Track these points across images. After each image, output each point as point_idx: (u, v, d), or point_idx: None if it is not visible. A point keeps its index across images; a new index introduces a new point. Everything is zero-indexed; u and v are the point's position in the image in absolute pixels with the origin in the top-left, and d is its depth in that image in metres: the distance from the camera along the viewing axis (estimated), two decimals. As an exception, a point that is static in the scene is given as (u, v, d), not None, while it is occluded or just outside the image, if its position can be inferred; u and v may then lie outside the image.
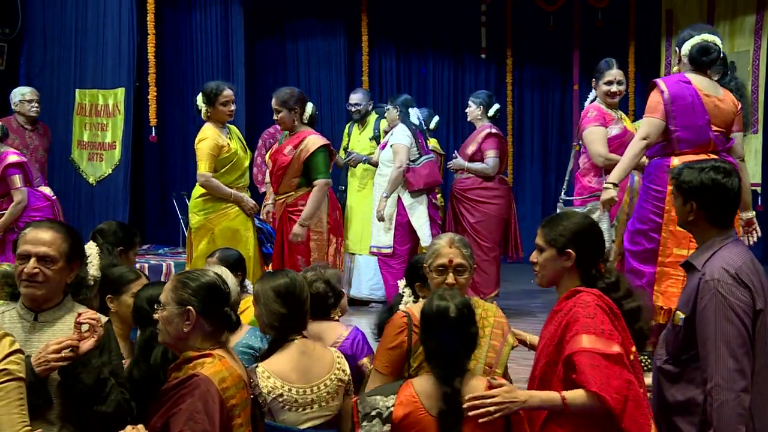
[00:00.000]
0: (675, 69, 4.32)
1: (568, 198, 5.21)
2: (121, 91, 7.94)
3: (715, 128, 4.08)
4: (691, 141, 4.07)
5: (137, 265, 4.60)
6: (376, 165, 6.74)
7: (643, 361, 3.23)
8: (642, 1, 9.25)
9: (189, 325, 2.53)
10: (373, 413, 2.64)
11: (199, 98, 5.31)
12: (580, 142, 5.16)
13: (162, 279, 6.58)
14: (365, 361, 3.30)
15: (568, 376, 2.53)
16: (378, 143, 6.98)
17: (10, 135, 6.89)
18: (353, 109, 7.28)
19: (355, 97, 7.31)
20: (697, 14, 8.37)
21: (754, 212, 4.42)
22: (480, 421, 2.49)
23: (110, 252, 3.70)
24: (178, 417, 2.41)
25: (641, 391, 2.54)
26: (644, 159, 4.45)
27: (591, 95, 5.29)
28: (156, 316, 2.59)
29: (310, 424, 2.79)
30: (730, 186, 2.80)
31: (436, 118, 7.44)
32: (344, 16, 9.34)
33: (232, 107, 5.33)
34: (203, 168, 5.16)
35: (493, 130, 6.50)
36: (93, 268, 3.21)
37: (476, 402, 2.51)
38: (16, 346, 2.36)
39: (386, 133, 6.77)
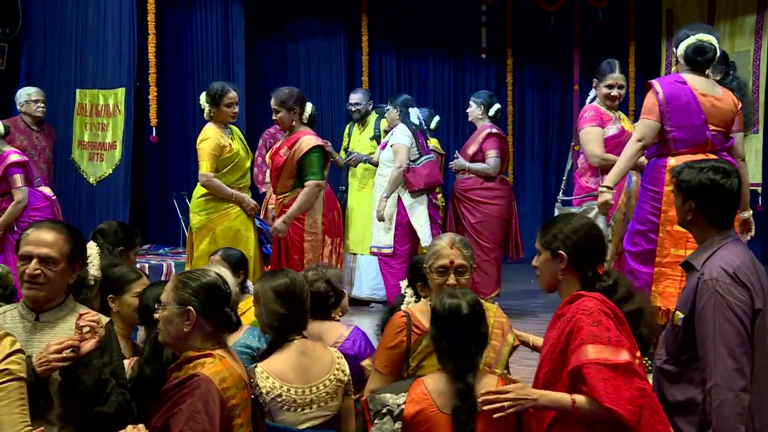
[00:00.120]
0: (674, 69, 4.31)
1: (566, 198, 5.22)
2: (121, 91, 7.94)
3: (712, 128, 4.06)
4: (687, 141, 4.06)
5: (138, 265, 4.60)
6: (376, 165, 6.74)
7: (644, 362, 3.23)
8: (642, 1, 9.25)
9: (189, 325, 2.54)
10: (384, 411, 2.66)
11: (203, 98, 5.31)
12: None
13: (164, 279, 6.58)
14: (367, 362, 3.30)
15: (576, 386, 2.52)
16: (378, 143, 6.98)
17: (18, 136, 6.90)
18: (353, 109, 7.28)
19: (355, 97, 7.32)
20: (698, 14, 8.37)
21: (751, 212, 4.42)
22: (494, 416, 2.51)
23: (110, 252, 3.71)
24: (179, 417, 2.42)
25: (654, 396, 2.53)
26: (643, 159, 4.46)
27: (591, 94, 5.30)
28: (156, 315, 2.60)
29: (309, 425, 2.79)
30: (729, 186, 2.80)
31: (437, 118, 7.44)
32: (344, 16, 9.34)
33: (236, 109, 5.34)
34: (205, 168, 5.17)
35: (494, 130, 6.50)
36: (93, 268, 3.22)
37: (491, 397, 2.53)
38: (17, 346, 2.36)
39: (386, 133, 6.77)
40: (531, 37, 9.82)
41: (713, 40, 4.10)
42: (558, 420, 2.57)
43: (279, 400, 2.75)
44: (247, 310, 3.64)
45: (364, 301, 6.94)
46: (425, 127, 6.70)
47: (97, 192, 8.03)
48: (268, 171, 5.80)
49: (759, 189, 7.85)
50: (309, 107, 5.50)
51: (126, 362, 2.84)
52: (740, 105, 4.28)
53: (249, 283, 4.18)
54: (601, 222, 4.43)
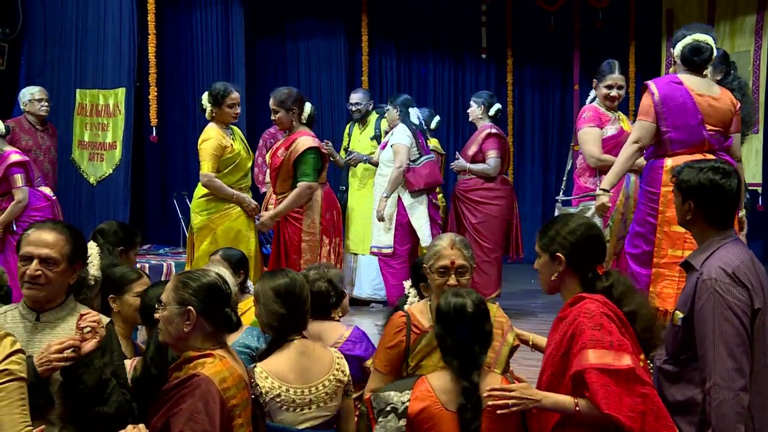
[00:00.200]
0: (671, 69, 4.31)
1: (565, 198, 5.22)
2: (121, 91, 7.94)
3: (709, 127, 4.05)
4: (684, 141, 4.04)
5: (138, 265, 4.60)
6: (376, 165, 6.74)
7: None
8: (642, 1, 9.25)
9: (189, 325, 2.54)
10: (388, 408, 2.68)
11: (205, 98, 5.31)
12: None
13: (164, 279, 6.58)
14: (369, 362, 3.30)
15: (579, 390, 2.52)
16: (379, 143, 6.98)
17: (23, 136, 6.90)
18: (354, 109, 7.28)
19: (356, 97, 7.32)
20: (698, 14, 8.38)
21: (744, 211, 4.42)
22: (498, 412, 2.53)
23: (111, 252, 3.71)
24: (179, 417, 2.42)
25: (659, 401, 2.52)
26: (641, 161, 4.46)
27: (591, 95, 5.30)
28: (157, 315, 2.60)
29: (308, 425, 2.79)
30: (729, 187, 2.80)
31: (437, 118, 7.44)
32: (344, 16, 9.35)
33: (238, 110, 5.34)
34: (206, 168, 5.17)
35: (494, 130, 6.50)
36: (93, 268, 3.21)
37: (496, 394, 2.54)
38: (18, 346, 2.36)
39: (387, 133, 6.77)
40: (531, 37, 9.82)
41: (710, 40, 4.09)
42: (562, 423, 2.57)
43: (278, 400, 2.75)
44: (247, 310, 3.64)
45: (364, 301, 6.94)
46: (425, 127, 6.69)
47: (98, 192, 8.03)
48: (269, 171, 5.81)
49: (759, 189, 7.86)
50: (308, 107, 5.50)
51: (127, 362, 2.84)
52: (739, 105, 4.26)
53: (249, 282, 4.18)
54: (598, 221, 4.44)
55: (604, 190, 4.27)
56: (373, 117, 7.26)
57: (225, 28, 8.54)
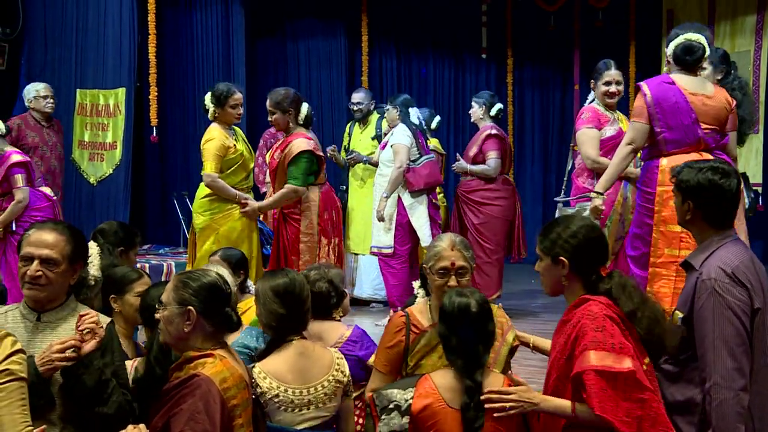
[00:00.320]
0: (665, 69, 4.31)
1: (564, 198, 5.22)
2: (121, 91, 7.95)
3: (704, 126, 4.03)
4: (678, 141, 4.03)
5: (138, 265, 4.60)
6: (376, 165, 6.73)
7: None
8: (642, 1, 9.25)
9: (189, 325, 2.54)
10: (391, 406, 2.69)
11: (208, 98, 5.31)
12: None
13: (164, 279, 6.59)
14: (370, 361, 3.30)
15: (578, 392, 2.52)
16: (380, 143, 6.97)
17: (29, 133, 6.90)
18: (355, 108, 7.27)
19: (358, 96, 7.31)
20: (698, 14, 8.38)
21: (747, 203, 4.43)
22: (495, 415, 2.54)
23: (111, 252, 3.71)
24: (179, 417, 2.42)
25: (658, 406, 2.51)
26: (632, 170, 4.51)
27: (590, 97, 5.30)
28: (157, 315, 2.60)
29: (306, 425, 2.79)
30: (728, 187, 2.80)
31: (438, 118, 7.44)
32: (344, 16, 9.34)
33: (241, 110, 5.34)
34: (209, 168, 5.17)
35: (494, 131, 6.49)
36: (93, 269, 3.21)
37: (494, 396, 2.55)
38: (18, 346, 2.36)
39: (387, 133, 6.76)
40: (531, 37, 9.82)
41: (702, 39, 4.08)
42: (571, 426, 2.57)
43: (276, 400, 2.75)
44: (247, 310, 3.64)
45: (365, 301, 6.94)
46: (425, 127, 6.69)
47: (98, 192, 8.04)
48: (268, 171, 5.82)
49: (759, 189, 7.85)
50: (305, 108, 5.47)
51: (128, 363, 2.84)
52: (734, 103, 4.26)
53: (249, 282, 4.18)
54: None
55: (598, 193, 4.28)
56: (375, 117, 7.26)
57: (225, 28, 8.55)
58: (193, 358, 2.54)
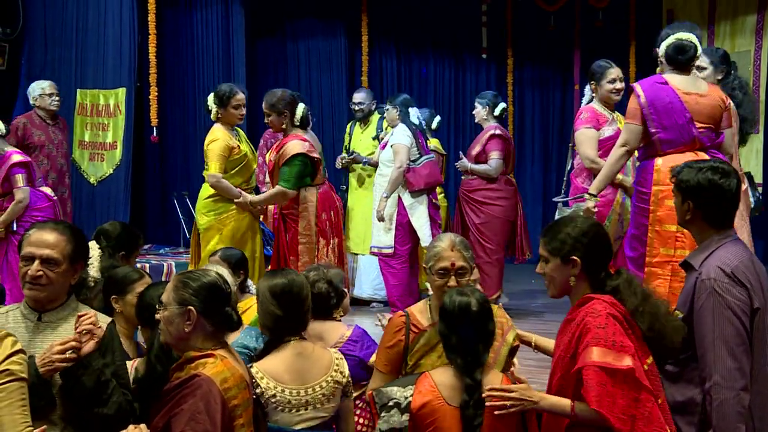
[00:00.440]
0: (658, 70, 4.30)
1: (563, 198, 5.22)
2: (122, 91, 7.95)
3: (699, 125, 4.02)
4: (673, 141, 4.02)
5: (138, 265, 4.60)
6: (375, 166, 6.74)
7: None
8: (642, 1, 9.24)
9: (190, 325, 2.54)
10: (391, 404, 2.69)
11: (211, 99, 5.33)
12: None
13: (164, 279, 6.59)
14: (371, 360, 3.30)
15: (578, 388, 2.53)
16: (380, 143, 6.98)
17: (35, 131, 6.90)
18: (356, 108, 7.27)
19: (359, 96, 7.31)
20: (698, 14, 8.37)
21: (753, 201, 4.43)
22: (496, 413, 2.56)
23: (112, 255, 3.70)
24: (180, 417, 2.42)
25: (652, 406, 2.51)
26: (624, 177, 4.53)
27: (585, 98, 5.29)
28: (158, 316, 2.60)
29: (304, 425, 2.79)
30: (727, 187, 2.80)
31: (438, 119, 7.44)
32: (344, 16, 9.34)
33: (243, 111, 5.37)
34: (214, 168, 5.18)
35: (498, 132, 6.48)
36: (93, 269, 3.22)
37: (495, 394, 2.56)
38: (18, 347, 2.36)
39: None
40: (531, 37, 9.82)
41: (693, 38, 4.07)
42: (574, 425, 2.57)
43: (273, 400, 2.75)
44: (247, 310, 3.64)
45: (365, 301, 6.94)
46: (425, 127, 6.69)
47: (98, 192, 8.04)
48: (268, 171, 5.83)
49: (760, 189, 7.85)
50: (300, 109, 5.43)
51: (129, 363, 2.84)
52: (729, 101, 4.25)
53: (250, 282, 4.19)
54: None
55: (591, 194, 4.28)
56: (375, 117, 7.26)
57: (225, 28, 8.55)
58: (194, 358, 2.54)
